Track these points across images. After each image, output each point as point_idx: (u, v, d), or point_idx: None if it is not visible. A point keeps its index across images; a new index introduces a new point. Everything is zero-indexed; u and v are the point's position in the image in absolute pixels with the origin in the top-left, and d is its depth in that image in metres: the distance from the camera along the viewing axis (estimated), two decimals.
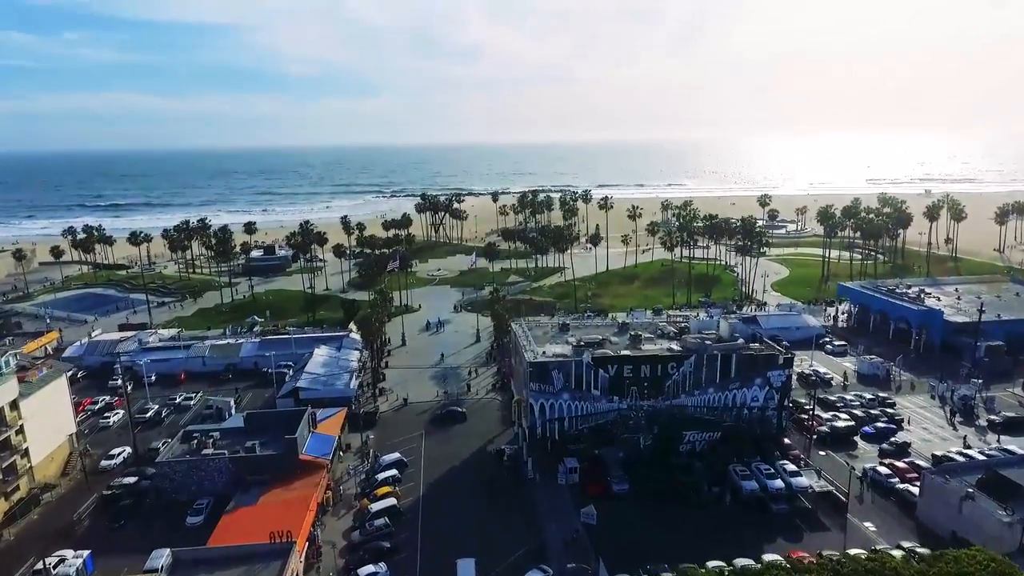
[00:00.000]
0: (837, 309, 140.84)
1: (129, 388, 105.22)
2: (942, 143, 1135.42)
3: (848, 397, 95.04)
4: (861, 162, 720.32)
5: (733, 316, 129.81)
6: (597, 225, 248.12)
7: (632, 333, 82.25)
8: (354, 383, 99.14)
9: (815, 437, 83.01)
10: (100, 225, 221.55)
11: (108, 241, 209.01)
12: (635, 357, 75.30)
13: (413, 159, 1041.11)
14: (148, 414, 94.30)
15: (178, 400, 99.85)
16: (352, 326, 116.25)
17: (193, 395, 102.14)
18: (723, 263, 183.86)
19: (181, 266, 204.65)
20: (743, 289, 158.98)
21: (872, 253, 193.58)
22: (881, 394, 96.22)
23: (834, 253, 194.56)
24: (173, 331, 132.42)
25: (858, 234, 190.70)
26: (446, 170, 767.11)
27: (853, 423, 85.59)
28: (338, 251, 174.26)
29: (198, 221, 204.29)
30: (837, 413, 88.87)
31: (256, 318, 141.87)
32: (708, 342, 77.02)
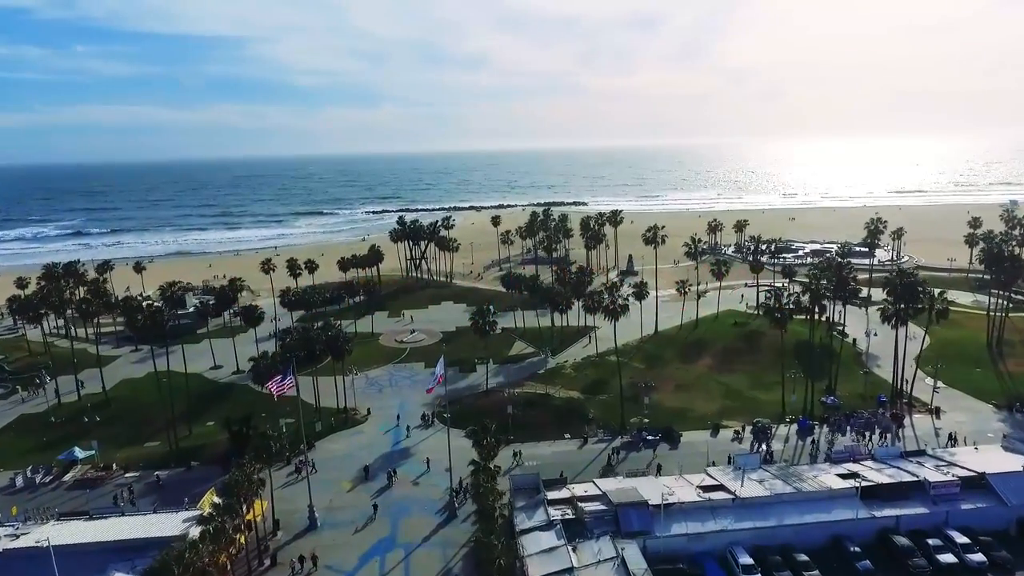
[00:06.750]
0: None
1: None
2: (964, 146, 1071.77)
3: None
4: (895, 167, 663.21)
5: (918, 464, 70.33)
6: (630, 256, 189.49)
7: None
8: None
9: None
10: None
11: None
12: None
13: (414, 168, 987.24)
14: None
15: None
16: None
17: None
18: (827, 319, 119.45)
19: (58, 327, 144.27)
20: (884, 376, 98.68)
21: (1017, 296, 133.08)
22: None
23: (964, 297, 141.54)
24: None
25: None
26: (446, 180, 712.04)
27: None
28: (248, 316, 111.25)
29: (64, 265, 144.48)
30: None
31: (78, 451, 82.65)
32: None
